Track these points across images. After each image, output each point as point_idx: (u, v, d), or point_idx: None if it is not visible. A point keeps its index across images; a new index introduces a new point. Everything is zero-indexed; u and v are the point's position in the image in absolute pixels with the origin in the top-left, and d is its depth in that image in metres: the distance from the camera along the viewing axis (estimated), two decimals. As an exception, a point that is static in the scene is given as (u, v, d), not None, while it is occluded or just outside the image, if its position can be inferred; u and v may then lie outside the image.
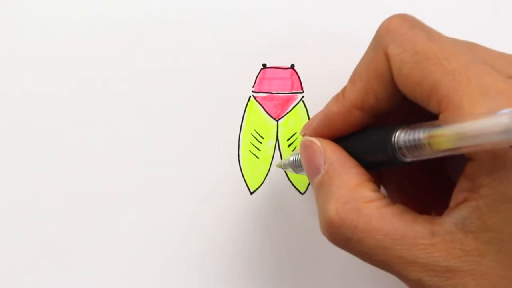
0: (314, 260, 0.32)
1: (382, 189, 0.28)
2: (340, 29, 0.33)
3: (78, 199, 0.31)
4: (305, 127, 0.28)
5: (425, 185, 0.28)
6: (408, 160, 0.22)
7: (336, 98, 0.26)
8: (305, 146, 0.26)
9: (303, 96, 0.32)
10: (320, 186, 0.25)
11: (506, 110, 0.17)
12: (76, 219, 0.31)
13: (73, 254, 0.31)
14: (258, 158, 0.32)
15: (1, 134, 0.31)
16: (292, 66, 0.32)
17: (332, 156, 0.25)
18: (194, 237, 0.32)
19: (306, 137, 0.27)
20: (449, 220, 0.21)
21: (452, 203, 0.22)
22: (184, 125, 0.32)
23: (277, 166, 0.32)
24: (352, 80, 0.25)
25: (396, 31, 0.23)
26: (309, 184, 0.32)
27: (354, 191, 0.23)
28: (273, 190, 0.32)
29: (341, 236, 0.23)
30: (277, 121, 0.32)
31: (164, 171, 0.32)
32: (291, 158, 0.29)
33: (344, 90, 0.25)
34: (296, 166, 0.29)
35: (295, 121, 0.32)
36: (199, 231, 0.32)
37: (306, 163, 0.26)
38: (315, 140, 0.26)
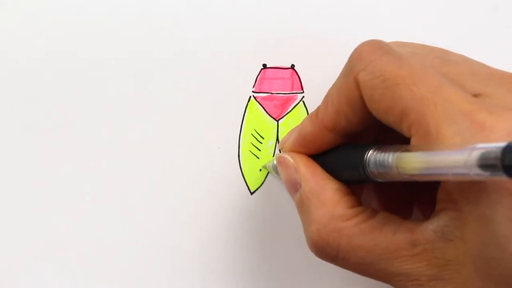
0: (314, 260, 0.32)
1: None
2: (341, 29, 0.33)
3: (78, 199, 0.31)
4: (282, 142, 0.29)
5: (406, 189, 0.28)
6: (379, 180, 0.23)
7: (310, 117, 0.26)
8: (280, 163, 0.28)
9: (303, 96, 0.32)
10: (300, 205, 0.26)
11: (468, 147, 0.18)
12: (76, 219, 0.31)
13: (73, 254, 0.31)
14: (258, 158, 0.32)
15: (1, 134, 0.31)
16: (292, 66, 0.32)
17: (307, 173, 0.26)
18: (194, 237, 0.32)
19: (280, 154, 0.28)
20: (429, 228, 0.22)
21: (435, 210, 0.22)
22: (185, 125, 0.32)
23: (261, 168, 0.32)
24: (325, 102, 0.26)
25: (367, 58, 0.23)
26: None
27: (332, 211, 0.24)
28: (273, 190, 0.32)
29: (327, 255, 0.24)
30: (277, 121, 0.32)
31: (164, 171, 0.32)
32: (275, 162, 0.29)
33: (317, 111, 0.26)
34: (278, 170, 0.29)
35: (295, 121, 0.32)
36: (199, 231, 0.32)
37: (284, 180, 0.27)
38: (289, 156, 0.27)
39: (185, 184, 0.32)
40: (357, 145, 0.24)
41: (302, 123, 0.27)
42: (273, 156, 0.32)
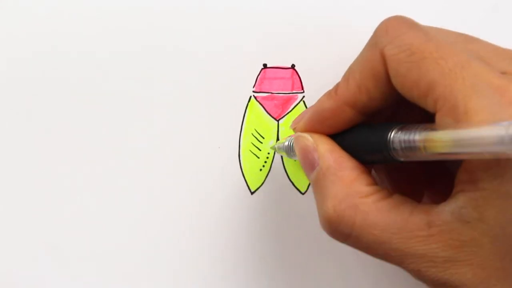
0: (314, 260, 0.32)
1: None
2: (341, 29, 0.33)
3: (78, 199, 0.31)
4: (296, 121, 0.28)
5: (419, 173, 0.28)
6: (402, 159, 0.22)
7: (328, 94, 0.26)
8: (298, 142, 0.27)
9: (303, 96, 0.32)
10: (316, 182, 0.25)
11: (504, 123, 0.17)
12: (75, 219, 0.31)
13: (73, 254, 0.31)
14: (258, 158, 0.32)
15: (1, 134, 0.31)
16: (293, 66, 0.32)
17: (325, 151, 0.25)
18: (194, 237, 0.32)
19: (298, 133, 0.27)
20: (446, 210, 0.21)
21: (453, 192, 0.22)
22: (185, 125, 0.32)
23: (270, 147, 0.32)
24: (346, 78, 0.25)
25: (394, 32, 0.23)
26: (309, 184, 0.32)
27: (350, 187, 0.24)
28: (274, 190, 0.32)
29: (340, 232, 0.24)
30: (278, 121, 0.32)
31: (164, 171, 0.32)
32: (286, 143, 0.29)
33: (337, 87, 0.25)
34: (289, 151, 0.29)
35: (295, 121, 0.32)
36: (199, 231, 0.32)
37: (301, 159, 0.26)
38: (308, 135, 0.26)
39: (185, 184, 0.32)
40: (377, 125, 0.24)
41: (318, 100, 0.26)
42: (273, 156, 0.32)
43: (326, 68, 0.32)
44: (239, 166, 0.32)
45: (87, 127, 0.32)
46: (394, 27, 0.23)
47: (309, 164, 0.26)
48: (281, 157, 0.32)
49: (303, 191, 0.32)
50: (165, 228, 0.32)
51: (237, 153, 0.32)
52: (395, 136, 0.22)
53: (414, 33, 0.23)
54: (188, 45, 0.32)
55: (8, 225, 0.31)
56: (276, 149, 0.31)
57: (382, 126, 0.23)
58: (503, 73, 0.22)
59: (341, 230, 0.23)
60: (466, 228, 0.21)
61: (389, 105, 0.24)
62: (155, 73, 0.32)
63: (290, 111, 0.32)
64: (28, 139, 0.31)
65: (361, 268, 0.32)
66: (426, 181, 0.28)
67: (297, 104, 0.32)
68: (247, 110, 0.32)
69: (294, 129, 0.28)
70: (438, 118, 0.21)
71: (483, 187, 0.20)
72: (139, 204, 0.32)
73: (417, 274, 0.22)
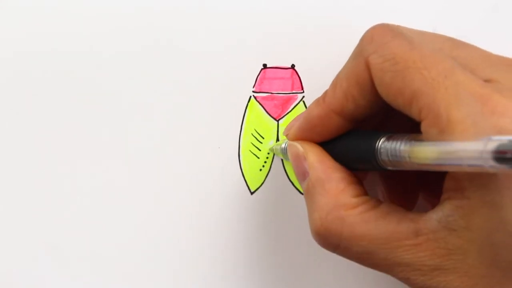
0: (314, 260, 0.32)
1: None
2: (341, 29, 0.33)
3: (78, 199, 0.31)
4: (287, 128, 0.29)
5: (413, 176, 0.28)
6: (389, 168, 0.23)
7: (317, 102, 0.26)
8: (289, 150, 0.27)
9: (303, 96, 0.32)
10: (306, 193, 0.26)
11: (483, 138, 0.18)
12: (75, 219, 0.31)
13: (73, 255, 0.31)
14: (258, 158, 0.32)
15: (1, 134, 0.31)
16: (293, 66, 0.32)
17: (315, 161, 0.26)
18: (194, 237, 0.32)
19: (290, 142, 0.27)
20: (433, 218, 0.22)
21: (440, 200, 0.22)
22: (185, 125, 0.32)
23: (269, 149, 0.32)
24: (333, 85, 0.25)
25: (378, 40, 0.23)
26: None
27: (336, 199, 0.24)
28: (273, 190, 0.32)
29: (329, 243, 0.24)
30: (278, 121, 0.32)
31: (164, 171, 0.32)
32: (283, 145, 0.30)
33: (325, 95, 0.26)
34: (286, 153, 0.29)
35: (295, 121, 0.32)
36: (199, 231, 0.32)
37: (294, 167, 0.27)
38: (298, 144, 0.27)
39: (185, 184, 0.32)
40: (366, 132, 0.24)
41: (308, 108, 0.27)
42: (273, 156, 0.32)
43: (326, 68, 0.32)
44: (239, 166, 0.32)
45: (87, 127, 0.32)
46: (379, 36, 0.23)
47: (301, 174, 0.26)
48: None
49: (302, 191, 0.32)
50: (165, 228, 0.32)
51: (237, 153, 0.32)
52: (382, 145, 0.23)
53: (399, 42, 0.23)
54: (188, 45, 0.32)
55: (8, 225, 0.31)
56: (274, 151, 0.32)
57: (370, 135, 0.24)
58: (488, 80, 0.22)
59: (329, 241, 0.24)
60: (453, 236, 0.21)
61: (376, 113, 0.25)
62: (155, 73, 0.32)
63: (290, 111, 0.32)
64: (28, 139, 0.31)
65: (360, 268, 0.32)
66: (420, 183, 0.29)
67: (297, 104, 0.32)
68: (247, 110, 0.32)
69: (287, 136, 0.28)
70: (423, 127, 0.21)
71: (468, 196, 0.21)
72: (139, 204, 0.32)
73: (407, 282, 0.23)
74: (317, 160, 0.26)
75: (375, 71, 0.23)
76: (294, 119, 0.29)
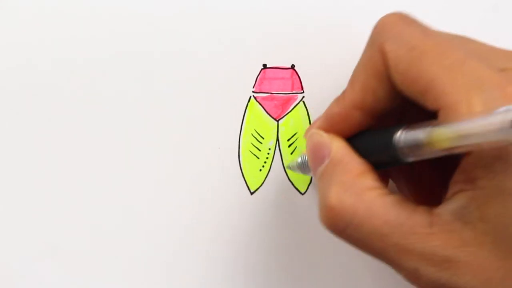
0: (314, 260, 0.32)
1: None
2: (341, 29, 0.33)
3: (78, 199, 0.31)
4: (308, 129, 0.28)
5: (435, 179, 0.28)
6: (410, 159, 0.22)
7: (337, 100, 0.26)
8: (312, 139, 0.27)
9: (303, 97, 0.32)
10: (323, 174, 0.25)
11: (501, 109, 0.17)
12: (76, 219, 0.31)
13: (73, 254, 0.31)
14: (258, 158, 0.32)
15: (1, 134, 0.31)
16: (293, 66, 0.32)
17: (338, 147, 0.25)
18: (194, 237, 0.32)
19: (313, 130, 0.27)
20: (447, 210, 0.21)
21: (449, 193, 0.22)
22: (185, 125, 0.32)
23: (286, 168, 0.32)
24: (351, 81, 0.25)
25: (392, 28, 0.23)
26: (309, 184, 0.32)
27: (357, 178, 0.24)
28: (273, 190, 0.32)
29: (340, 221, 0.23)
30: (278, 121, 0.32)
31: (164, 171, 0.32)
32: (299, 160, 0.29)
33: (344, 92, 0.26)
34: (303, 167, 0.29)
35: (295, 121, 0.32)
36: (199, 231, 0.32)
37: (311, 153, 0.26)
38: (322, 132, 0.26)
39: (185, 184, 0.32)
40: (385, 128, 0.24)
41: (328, 108, 0.27)
42: (273, 156, 0.32)
43: (326, 68, 0.32)
44: (239, 166, 0.32)
45: (87, 127, 0.32)
46: (392, 24, 0.23)
47: (319, 158, 0.26)
48: (281, 157, 0.32)
49: (302, 191, 0.32)
50: (165, 228, 0.32)
51: (237, 153, 0.32)
52: (401, 135, 0.22)
53: (413, 29, 0.23)
54: (188, 45, 0.32)
55: (8, 225, 0.31)
56: (290, 168, 0.31)
57: (389, 129, 0.23)
58: (502, 70, 0.22)
59: (341, 218, 0.23)
60: (468, 228, 0.21)
61: (396, 106, 0.24)
62: (155, 73, 0.32)
63: (290, 111, 0.32)
64: (28, 139, 0.31)
65: (361, 268, 0.32)
66: (443, 186, 0.28)
67: (297, 104, 0.32)
68: (246, 110, 0.32)
69: (306, 137, 0.28)
70: (441, 114, 0.21)
71: (483, 185, 0.20)
72: (139, 204, 0.32)
73: (414, 273, 0.22)
74: (341, 146, 0.25)
75: (391, 59, 0.22)
76: (314, 121, 0.29)
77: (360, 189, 0.23)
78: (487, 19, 0.33)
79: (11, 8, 0.32)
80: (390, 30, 0.23)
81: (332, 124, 0.26)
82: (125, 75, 0.32)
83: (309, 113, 0.32)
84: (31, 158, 0.31)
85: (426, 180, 0.28)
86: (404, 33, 0.22)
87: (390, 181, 0.29)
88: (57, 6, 0.32)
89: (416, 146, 0.22)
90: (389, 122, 0.26)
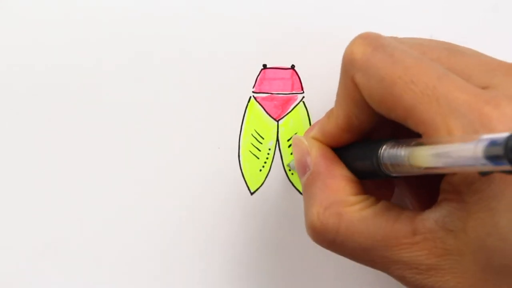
0: (314, 260, 0.32)
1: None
2: (341, 29, 0.33)
3: (78, 198, 0.31)
4: (306, 134, 0.29)
5: (434, 185, 0.28)
6: (393, 175, 0.23)
7: (328, 116, 0.26)
8: (294, 144, 0.27)
9: (303, 97, 0.32)
10: (305, 187, 0.26)
11: (473, 142, 0.18)
12: (75, 219, 0.31)
13: (73, 254, 0.31)
14: (258, 158, 0.32)
15: (1, 134, 0.31)
16: (293, 67, 0.32)
17: (318, 155, 0.26)
18: (194, 237, 0.32)
19: (296, 135, 0.27)
20: (431, 218, 0.22)
21: (439, 198, 0.22)
22: (185, 125, 0.32)
23: (286, 166, 0.32)
24: (336, 104, 0.25)
25: (360, 58, 0.23)
26: (309, 184, 0.32)
27: (336, 195, 0.24)
28: (274, 191, 0.32)
29: (324, 239, 0.24)
30: (278, 121, 0.32)
31: (164, 171, 0.32)
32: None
33: (332, 111, 0.26)
34: None
35: (295, 122, 0.32)
36: (199, 231, 0.32)
37: (295, 162, 0.27)
38: (303, 139, 0.27)
39: (185, 184, 0.32)
40: (373, 141, 0.24)
41: (322, 119, 0.27)
42: (273, 157, 0.32)
43: (326, 68, 0.32)
44: (238, 167, 0.32)
45: (87, 127, 0.32)
46: (360, 54, 0.23)
47: (302, 167, 0.26)
48: (281, 157, 0.32)
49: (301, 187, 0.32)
50: (164, 228, 0.32)
51: (237, 153, 0.32)
52: (385, 152, 0.23)
53: (380, 56, 0.22)
54: (188, 45, 0.32)
55: (8, 225, 0.31)
56: (290, 167, 0.32)
57: (376, 142, 0.24)
58: (485, 87, 0.22)
59: (325, 237, 0.24)
60: (450, 237, 0.21)
61: (386, 121, 0.24)
62: (155, 74, 0.32)
63: (290, 111, 0.32)
64: (28, 139, 0.31)
65: (360, 268, 0.32)
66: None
67: (297, 105, 0.32)
68: (246, 110, 0.32)
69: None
70: (424, 139, 0.21)
71: (466, 200, 0.21)
72: (138, 204, 0.32)
73: (403, 281, 0.23)
74: (320, 155, 0.26)
75: (364, 90, 0.23)
76: (312, 125, 0.29)
77: (340, 207, 0.24)
78: (487, 19, 0.33)
79: (11, 8, 0.32)
80: (357, 62, 0.23)
81: (325, 139, 0.26)
82: (125, 76, 0.32)
83: (309, 114, 0.32)
84: (31, 158, 0.31)
85: (425, 186, 0.28)
86: (371, 63, 0.22)
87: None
88: (57, 6, 0.32)
89: (397, 164, 0.22)
90: (380, 134, 0.26)
